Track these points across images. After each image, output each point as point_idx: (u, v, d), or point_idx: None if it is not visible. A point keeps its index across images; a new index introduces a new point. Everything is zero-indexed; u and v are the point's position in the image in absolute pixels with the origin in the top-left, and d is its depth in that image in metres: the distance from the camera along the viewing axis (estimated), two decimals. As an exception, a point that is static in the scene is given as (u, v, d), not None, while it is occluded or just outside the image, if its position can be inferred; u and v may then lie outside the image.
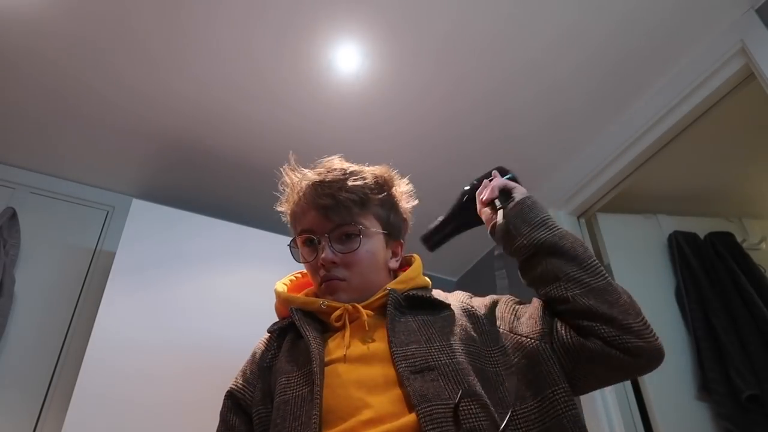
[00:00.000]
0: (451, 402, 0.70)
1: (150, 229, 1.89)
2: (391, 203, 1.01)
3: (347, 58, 1.72)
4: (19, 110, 1.87)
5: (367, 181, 0.97)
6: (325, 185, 0.94)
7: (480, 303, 0.92)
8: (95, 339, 1.63)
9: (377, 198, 0.97)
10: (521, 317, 0.84)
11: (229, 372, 1.71)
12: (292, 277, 1.09)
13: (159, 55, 1.70)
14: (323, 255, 0.91)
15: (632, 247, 2.10)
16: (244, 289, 1.89)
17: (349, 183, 0.95)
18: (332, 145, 2.02)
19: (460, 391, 0.71)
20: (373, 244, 0.95)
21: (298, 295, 0.98)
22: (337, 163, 1.01)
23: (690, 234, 2.16)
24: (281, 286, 1.03)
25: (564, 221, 2.15)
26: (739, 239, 2.18)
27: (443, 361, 0.76)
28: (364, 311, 0.87)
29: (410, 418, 0.70)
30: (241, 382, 0.93)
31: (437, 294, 0.94)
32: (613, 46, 1.69)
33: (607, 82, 1.80)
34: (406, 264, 1.04)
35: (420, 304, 0.90)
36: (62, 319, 1.90)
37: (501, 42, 1.67)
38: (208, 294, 1.84)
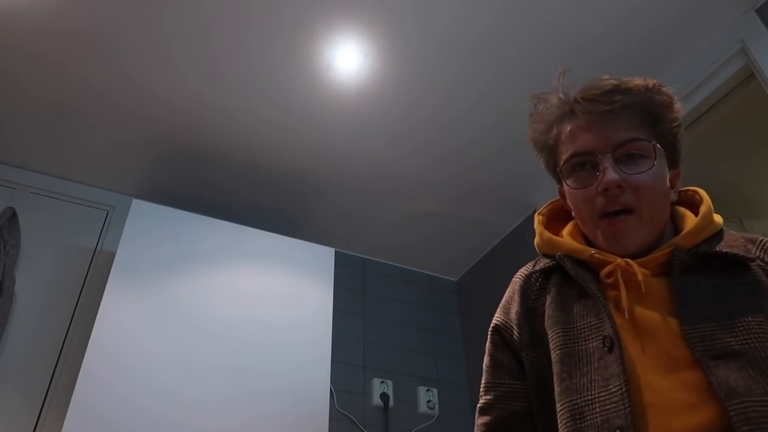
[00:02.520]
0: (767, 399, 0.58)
1: (150, 229, 1.89)
2: (677, 123, 0.81)
3: (347, 59, 1.72)
4: (20, 110, 1.87)
5: (657, 91, 0.79)
6: (611, 92, 0.77)
7: None
8: (95, 339, 1.63)
9: (666, 112, 0.79)
10: None
11: (229, 370, 1.72)
12: (550, 205, 0.91)
13: (159, 55, 1.70)
14: (607, 177, 0.73)
15: (632, 247, 2.10)
16: (244, 289, 1.90)
17: (645, 90, 0.78)
18: (332, 145, 2.04)
19: None
20: (660, 167, 0.77)
21: (565, 240, 0.82)
22: (606, 77, 0.81)
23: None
24: (540, 222, 0.87)
25: (564, 221, 2.15)
26: (739, 239, 2.17)
27: (752, 345, 0.62)
28: (639, 270, 0.71)
29: (711, 412, 0.59)
30: (507, 318, 0.84)
31: (734, 241, 0.75)
32: (614, 46, 1.69)
33: (607, 82, 1.80)
34: (685, 201, 0.85)
35: (715, 261, 0.72)
36: (62, 319, 1.90)
37: (501, 42, 1.67)
38: (208, 294, 1.84)
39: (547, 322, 0.76)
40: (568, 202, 0.83)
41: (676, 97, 0.82)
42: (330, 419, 1.82)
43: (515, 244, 2.39)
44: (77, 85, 1.79)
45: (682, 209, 0.83)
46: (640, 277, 0.70)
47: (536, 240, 0.86)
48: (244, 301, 1.87)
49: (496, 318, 0.86)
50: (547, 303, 0.78)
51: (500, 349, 0.83)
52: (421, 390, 2.31)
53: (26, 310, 1.87)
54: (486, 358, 0.84)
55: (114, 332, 1.66)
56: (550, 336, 0.74)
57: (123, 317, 1.70)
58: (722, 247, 0.73)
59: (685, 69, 1.72)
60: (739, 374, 0.60)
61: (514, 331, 0.81)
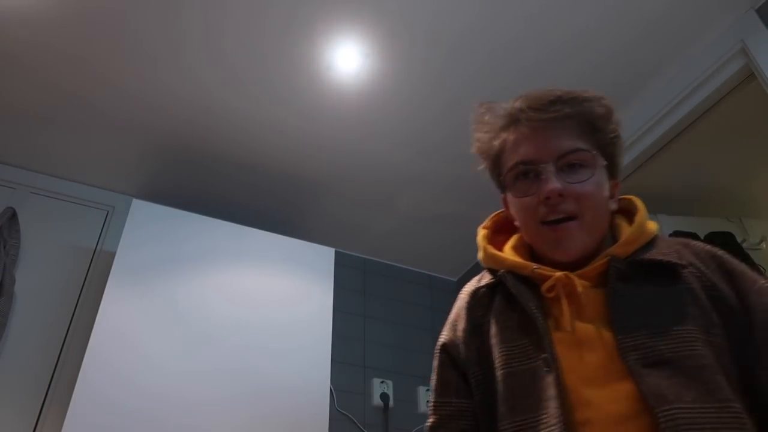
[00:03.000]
0: (696, 405, 0.60)
1: (150, 229, 1.89)
2: (616, 135, 0.83)
3: (347, 59, 1.72)
4: (20, 110, 1.87)
5: (597, 101, 0.82)
6: (553, 103, 0.79)
7: (729, 279, 0.74)
8: (95, 339, 1.63)
9: (606, 123, 0.81)
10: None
11: (229, 371, 1.72)
12: (495, 217, 0.93)
13: (159, 55, 1.70)
14: (549, 186, 0.75)
15: (632, 247, 2.10)
16: (243, 288, 1.90)
17: (582, 100, 0.80)
18: (332, 145, 2.04)
19: (707, 393, 0.61)
20: (601, 176, 0.79)
21: (507, 256, 0.83)
22: (548, 88, 0.83)
23: (690, 234, 2.16)
24: (483, 237, 0.88)
25: (564, 221, 2.15)
26: (739, 239, 2.18)
27: (682, 353, 0.64)
28: (578, 282, 0.72)
29: (646, 421, 0.61)
30: (454, 336, 0.84)
31: (668, 247, 0.77)
32: (613, 47, 1.69)
33: (608, 83, 1.80)
34: (622, 209, 0.87)
35: (649, 269, 0.74)
36: (62, 319, 1.90)
37: (501, 42, 1.67)
38: (208, 294, 1.84)
39: (493, 340, 0.77)
40: (512, 210, 0.85)
41: (614, 109, 0.84)
42: (330, 419, 1.82)
43: (515, 244, 2.39)
44: (77, 86, 1.79)
45: (619, 219, 0.85)
46: (579, 289, 0.72)
47: (480, 255, 0.87)
48: (244, 300, 1.87)
49: (443, 336, 0.86)
50: (492, 320, 0.79)
51: (447, 367, 0.83)
52: (421, 390, 2.31)
53: (26, 310, 1.86)
54: (433, 377, 0.85)
55: (114, 332, 1.66)
56: (494, 354, 0.75)
57: (123, 317, 1.70)
58: (655, 255, 0.74)
59: (685, 69, 1.72)
60: (670, 381, 0.62)
61: (461, 349, 0.82)
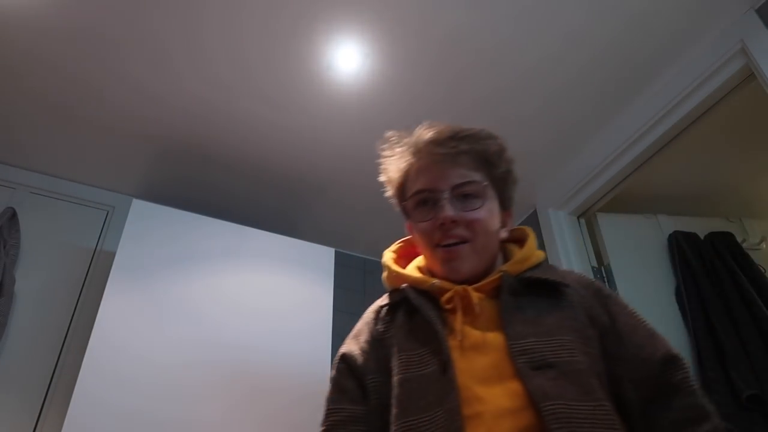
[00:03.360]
0: (574, 403, 0.69)
1: (150, 229, 1.89)
2: (508, 168, 0.95)
3: (347, 59, 1.72)
4: (20, 110, 1.87)
5: (491, 140, 0.93)
6: (452, 138, 0.89)
7: (604, 302, 0.86)
8: (95, 339, 1.63)
9: (498, 159, 0.92)
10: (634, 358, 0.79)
11: (229, 371, 1.72)
12: (401, 244, 1.03)
13: (159, 55, 1.70)
14: (444, 213, 0.85)
15: (632, 247, 2.10)
16: (244, 289, 1.89)
17: (477, 138, 0.91)
18: (332, 144, 2.04)
19: (584, 393, 0.70)
20: (492, 206, 0.90)
21: (410, 273, 0.92)
22: (449, 124, 0.95)
23: (690, 234, 2.16)
24: (390, 259, 0.98)
25: (564, 221, 2.15)
26: (739, 239, 2.17)
27: (564, 359, 0.73)
28: (474, 294, 0.82)
29: (531, 415, 0.68)
30: (354, 347, 0.91)
31: (553, 271, 0.88)
32: (614, 47, 1.69)
33: (608, 83, 1.80)
34: (515, 238, 0.97)
35: (536, 286, 0.84)
36: (62, 319, 1.90)
37: (501, 43, 1.67)
38: (208, 294, 1.84)
39: (393, 350, 0.83)
40: (413, 233, 0.94)
41: (506, 148, 0.95)
42: (330, 419, 1.81)
43: (515, 244, 2.39)
44: (78, 86, 1.79)
45: (511, 245, 0.95)
46: (475, 301, 0.81)
47: (384, 275, 0.96)
48: (244, 300, 1.87)
49: (345, 347, 0.93)
50: (394, 334, 0.86)
51: (345, 376, 0.89)
52: (421, 390, 2.30)
53: (26, 310, 1.86)
54: (330, 387, 0.91)
55: (114, 332, 1.66)
56: (394, 363, 0.81)
57: (123, 317, 1.70)
58: (542, 274, 0.85)
59: (685, 69, 1.72)
60: (553, 382, 0.71)
61: (361, 358, 0.88)
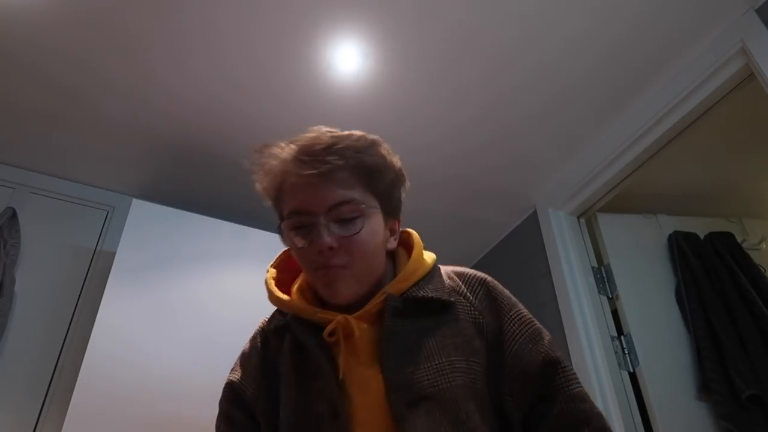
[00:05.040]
0: None
1: (150, 229, 1.89)
2: (392, 177, 0.87)
3: (347, 59, 1.72)
4: (20, 110, 1.87)
5: (370, 149, 0.84)
6: (326, 152, 0.79)
7: (492, 306, 0.83)
8: (95, 339, 1.63)
9: (379, 170, 0.84)
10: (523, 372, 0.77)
11: (229, 371, 1.72)
12: (284, 256, 0.94)
13: (159, 55, 1.70)
14: (320, 240, 0.76)
15: (632, 247, 2.10)
16: (243, 289, 1.89)
17: (354, 150, 0.82)
18: (332, 145, 2.03)
19: (458, 424, 0.68)
20: (374, 223, 0.81)
21: (293, 301, 0.84)
22: (323, 129, 0.86)
23: (690, 234, 2.16)
24: (271, 277, 0.90)
25: (564, 221, 2.15)
26: (739, 239, 2.18)
27: (441, 386, 0.71)
28: (356, 326, 0.76)
29: None
30: (242, 375, 0.86)
31: (441, 282, 0.83)
32: (613, 47, 1.68)
33: (608, 83, 1.80)
34: (403, 242, 0.92)
35: (422, 303, 0.79)
36: (62, 320, 1.90)
37: (502, 44, 1.67)
38: (209, 294, 1.84)
39: (282, 381, 0.79)
40: (293, 254, 0.85)
41: (390, 155, 0.88)
42: (330, 419, 1.81)
43: (515, 245, 2.39)
44: (77, 85, 1.79)
45: (401, 252, 0.89)
46: (356, 333, 0.75)
47: (268, 296, 0.88)
48: (244, 300, 1.87)
49: (233, 375, 0.88)
50: (283, 361, 0.81)
51: (233, 405, 0.86)
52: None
53: (26, 310, 1.86)
54: (218, 416, 0.88)
55: (114, 332, 1.66)
56: (282, 396, 0.78)
57: (123, 317, 1.70)
58: (428, 291, 0.80)
59: (685, 69, 1.72)
60: (427, 418, 0.68)
61: (250, 388, 0.84)
